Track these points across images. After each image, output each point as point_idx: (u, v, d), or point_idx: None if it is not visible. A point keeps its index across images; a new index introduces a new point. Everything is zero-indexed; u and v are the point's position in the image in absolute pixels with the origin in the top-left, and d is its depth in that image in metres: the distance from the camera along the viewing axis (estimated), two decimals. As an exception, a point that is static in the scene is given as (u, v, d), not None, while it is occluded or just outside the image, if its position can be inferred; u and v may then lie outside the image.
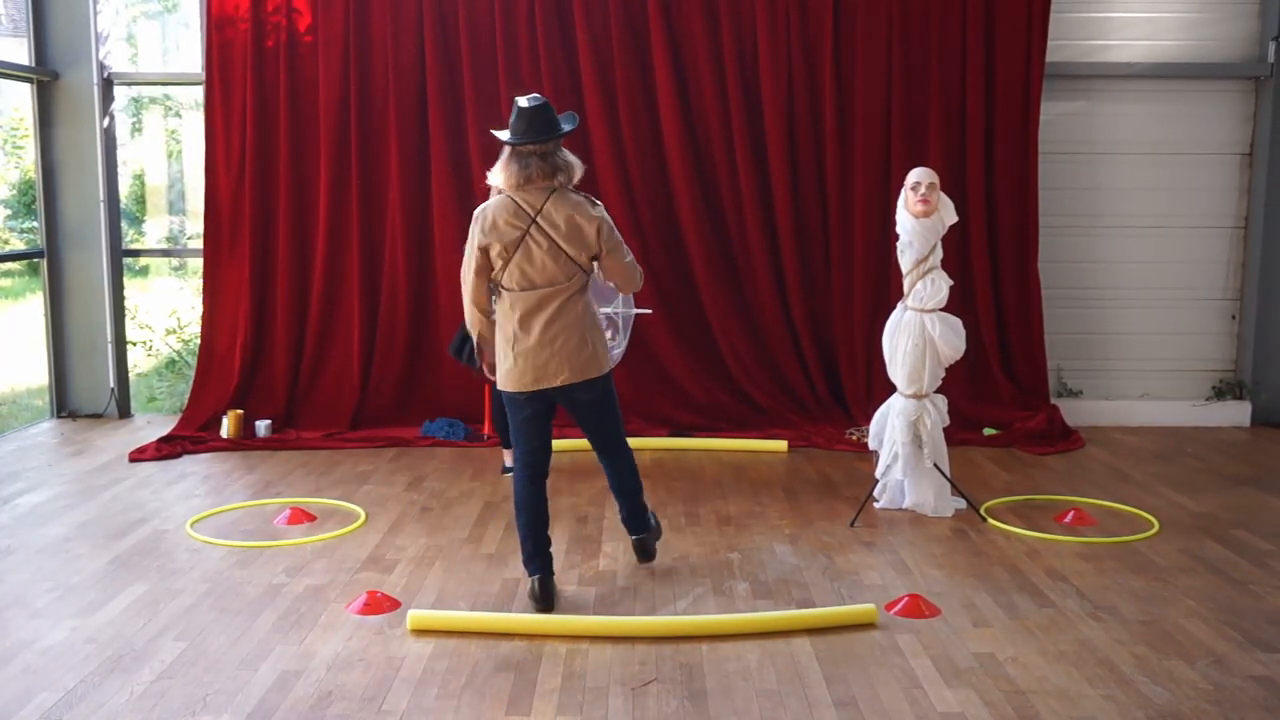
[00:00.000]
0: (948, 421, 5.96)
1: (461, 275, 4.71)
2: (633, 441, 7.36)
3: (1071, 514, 5.89)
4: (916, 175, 5.77)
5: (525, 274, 4.53)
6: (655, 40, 7.65)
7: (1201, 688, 3.93)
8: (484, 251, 4.55)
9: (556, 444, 7.23)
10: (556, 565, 5.16)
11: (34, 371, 9.17)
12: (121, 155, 8.89)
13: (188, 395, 8.03)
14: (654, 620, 4.47)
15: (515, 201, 4.53)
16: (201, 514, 5.92)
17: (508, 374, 4.64)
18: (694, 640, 4.31)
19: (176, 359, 9.35)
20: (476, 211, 4.63)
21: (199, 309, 8.23)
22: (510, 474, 6.69)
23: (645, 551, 5.09)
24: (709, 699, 3.85)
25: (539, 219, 4.50)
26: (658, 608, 4.67)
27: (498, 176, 4.60)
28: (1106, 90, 8.14)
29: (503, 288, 4.60)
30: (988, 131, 7.80)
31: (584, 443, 7.34)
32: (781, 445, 7.30)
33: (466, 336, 6.50)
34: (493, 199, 4.66)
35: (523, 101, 4.54)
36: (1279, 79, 7.96)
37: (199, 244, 8.15)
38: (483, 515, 5.97)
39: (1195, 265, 8.30)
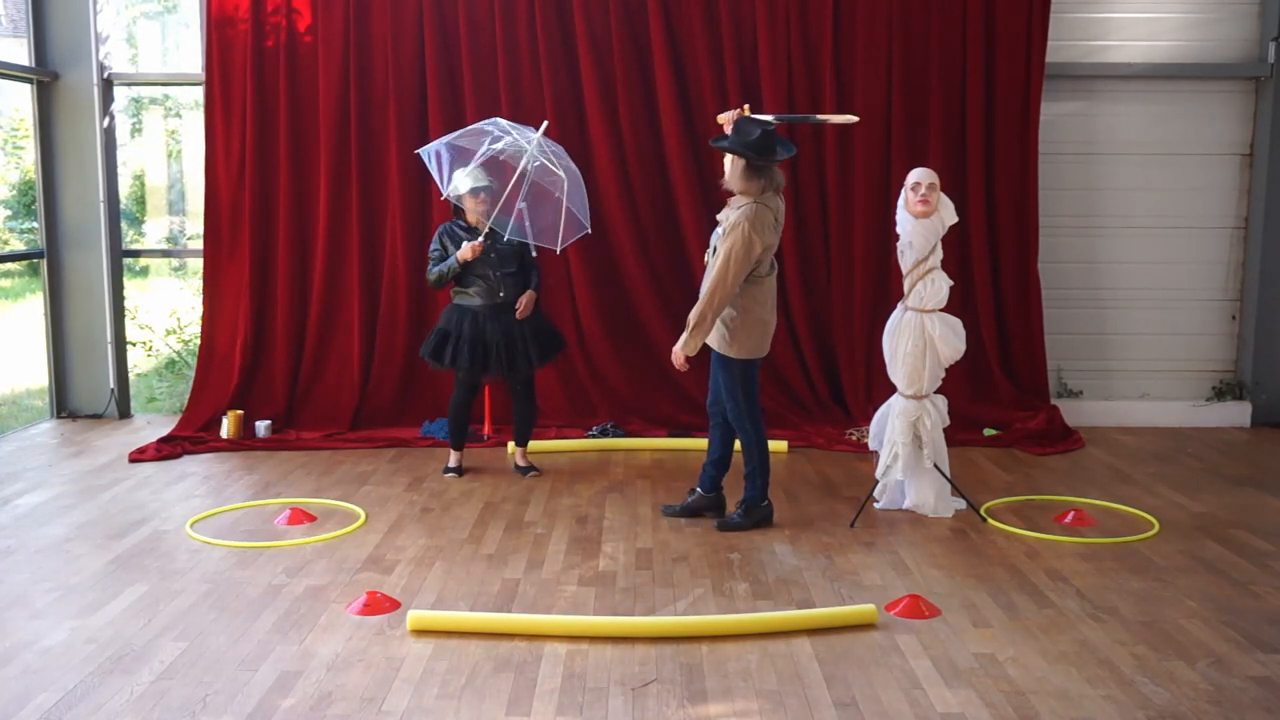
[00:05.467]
0: (948, 422, 5.96)
1: (730, 281, 5.35)
2: (633, 442, 7.51)
3: (1071, 514, 5.89)
4: (916, 175, 5.77)
5: (770, 263, 5.54)
6: (655, 40, 7.65)
7: (1201, 688, 3.93)
8: (762, 250, 5.40)
9: (555, 444, 7.33)
10: (555, 565, 5.17)
11: (34, 372, 9.16)
12: (121, 155, 8.89)
13: (188, 395, 8.03)
14: (654, 620, 4.46)
15: (765, 206, 5.40)
16: (201, 514, 5.92)
17: (757, 341, 5.56)
18: (694, 640, 4.31)
19: (176, 359, 9.35)
20: (750, 220, 5.32)
21: (199, 309, 8.23)
22: (450, 474, 6.68)
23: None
24: (709, 699, 3.86)
25: (778, 218, 5.51)
26: (658, 608, 4.67)
27: (745, 183, 5.38)
28: (1106, 90, 8.14)
29: (759, 275, 5.48)
30: (988, 131, 7.80)
31: (583, 443, 7.43)
32: (781, 445, 7.30)
33: (443, 340, 6.50)
34: (753, 207, 5.34)
35: (765, 125, 5.39)
36: (1279, 79, 7.96)
37: (199, 244, 8.15)
38: (483, 515, 5.97)
39: (1195, 265, 8.30)
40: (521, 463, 6.81)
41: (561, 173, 6.31)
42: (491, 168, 6.41)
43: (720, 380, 5.65)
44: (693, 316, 5.42)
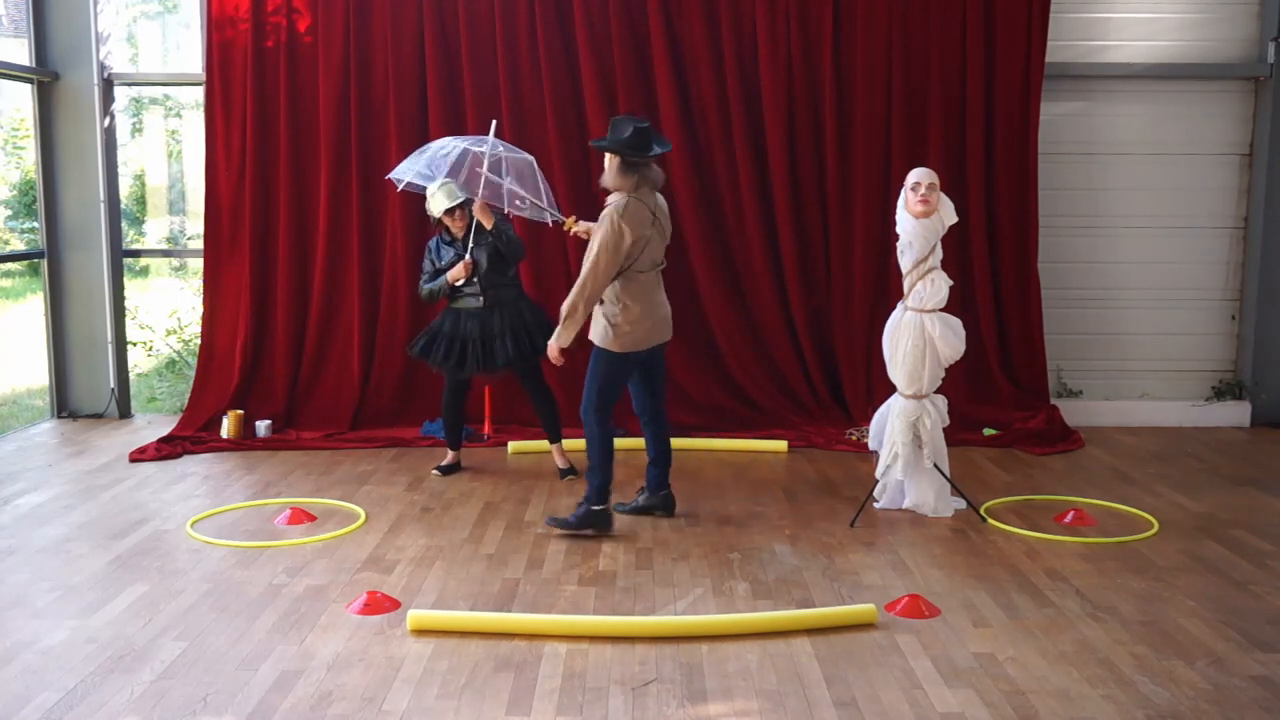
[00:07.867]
0: (947, 421, 5.96)
1: (599, 272, 5.43)
2: (632, 442, 7.49)
3: (1071, 514, 5.89)
4: (916, 175, 5.77)
5: (651, 258, 5.60)
6: (655, 40, 7.65)
7: (1201, 688, 3.93)
8: (633, 243, 5.46)
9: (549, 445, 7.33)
10: (555, 565, 5.17)
11: (34, 372, 9.17)
12: (121, 155, 8.89)
13: (188, 395, 8.04)
14: (654, 620, 4.47)
15: (639, 201, 5.49)
16: (202, 514, 5.92)
17: (634, 336, 5.57)
18: (694, 640, 4.32)
19: (177, 359, 9.36)
20: (620, 212, 5.42)
21: (199, 309, 8.23)
22: (436, 473, 6.72)
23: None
24: (709, 699, 3.86)
25: (656, 214, 5.61)
26: (658, 608, 4.67)
27: (619, 179, 5.47)
28: (1106, 90, 8.14)
29: (636, 271, 5.54)
30: (988, 131, 7.80)
31: (584, 443, 7.40)
32: (781, 445, 7.30)
33: (428, 338, 6.55)
34: (623, 199, 5.44)
35: (638, 122, 5.47)
36: (1279, 79, 7.96)
37: (199, 244, 8.15)
38: (483, 515, 5.97)
39: (1195, 265, 8.30)
40: (561, 464, 6.77)
41: (525, 154, 6.57)
42: (459, 170, 6.50)
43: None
44: (564, 308, 5.50)
